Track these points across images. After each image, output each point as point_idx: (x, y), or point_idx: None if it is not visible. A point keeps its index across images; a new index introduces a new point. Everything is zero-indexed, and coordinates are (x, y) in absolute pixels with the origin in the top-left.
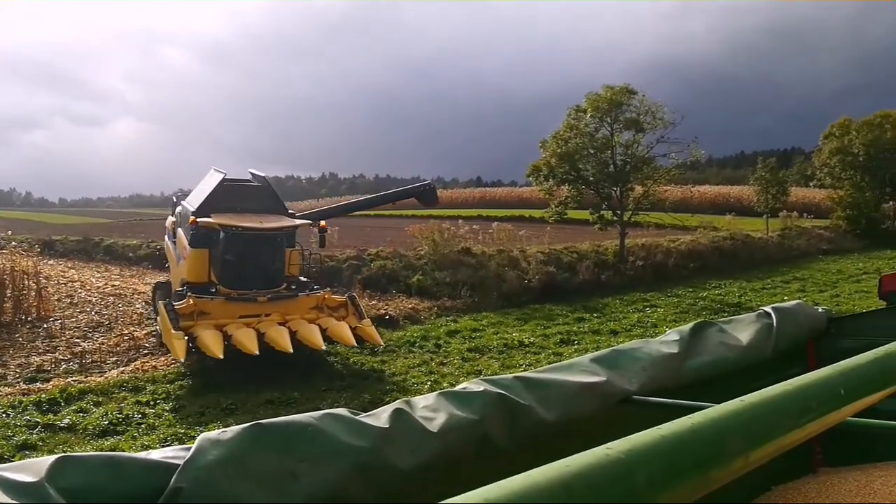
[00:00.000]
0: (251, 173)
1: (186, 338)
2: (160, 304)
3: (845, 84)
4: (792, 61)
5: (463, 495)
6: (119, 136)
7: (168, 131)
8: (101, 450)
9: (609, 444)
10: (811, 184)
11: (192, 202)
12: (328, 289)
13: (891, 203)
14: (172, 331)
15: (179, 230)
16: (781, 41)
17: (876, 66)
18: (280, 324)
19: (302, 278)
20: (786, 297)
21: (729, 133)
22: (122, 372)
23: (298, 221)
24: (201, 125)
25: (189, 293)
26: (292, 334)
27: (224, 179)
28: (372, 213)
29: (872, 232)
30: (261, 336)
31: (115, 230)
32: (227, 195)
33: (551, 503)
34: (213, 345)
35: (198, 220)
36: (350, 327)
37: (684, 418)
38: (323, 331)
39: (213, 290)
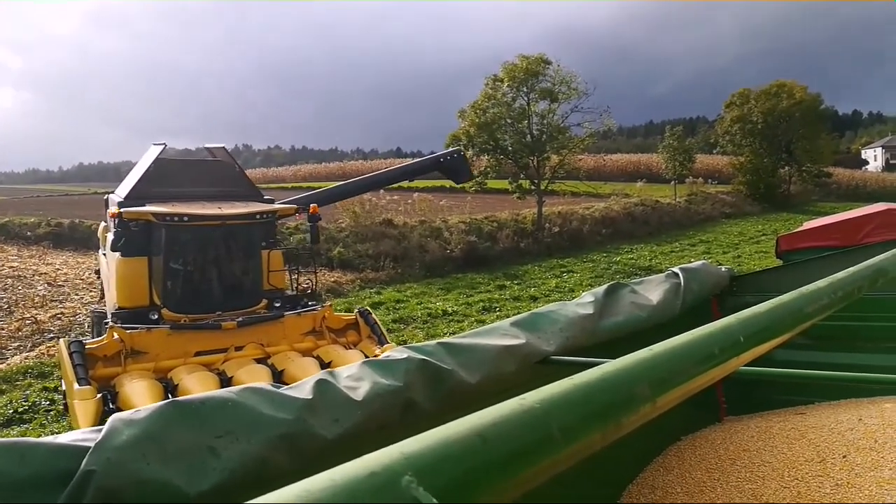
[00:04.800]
0: (206, 149)
1: (102, 395)
2: (61, 342)
3: (737, 52)
4: (687, 30)
5: (384, 449)
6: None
7: (56, 101)
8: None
9: (523, 395)
10: (715, 151)
11: (120, 192)
12: (328, 304)
13: (786, 168)
14: (75, 386)
15: (109, 236)
16: (677, 11)
17: (764, 34)
18: (259, 360)
19: (289, 291)
20: (692, 259)
21: (635, 102)
22: (25, 358)
23: (277, 206)
24: (93, 95)
25: (112, 323)
26: (277, 375)
27: (163, 155)
28: (289, 184)
29: (770, 196)
30: (226, 383)
31: (10, 207)
32: (170, 176)
33: (468, 452)
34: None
35: (121, 210)
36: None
37: (595, 368)
38: (325, 366)
39: (155, 317)
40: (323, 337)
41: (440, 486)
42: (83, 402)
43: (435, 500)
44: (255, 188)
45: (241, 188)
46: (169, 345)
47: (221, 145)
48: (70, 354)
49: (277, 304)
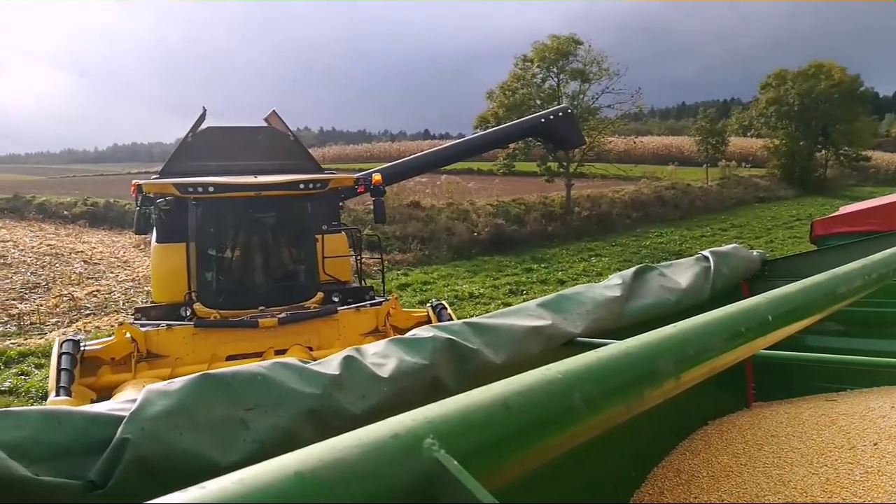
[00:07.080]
0: (265, 120)
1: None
2: (56, 340)
3: (773, 35)
4: (713, 9)
5: (408, 413)
6: (30, 86)
7: (92, 83)
8: None
9: (547, 366)
10: (749, 134)
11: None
12: (394, 296)
13: (822, 152)
14: (50, 396)
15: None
16: None
17: (803, 15)
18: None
19: (354, 284)
20: (723, 244)
21: (666, 84)
22: (63, 333)
23: (329, 176)
24: (121, 76)
25: (128, 321)
26: None
27: (202, 122)
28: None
29: (805, 180)
30: None
31: (48, 187)
32: (212, 148)
33: (492, 418)
34: None
35: (140, 182)
36: None
37: (620, 342)
38: None
39: (188, 314)
40: (387, 337)
41: (463, 449)
42: None
43: (456, 462)
44: (314, 160)
45: (296, 160)
46: (195, 346)
47: (272, 110)
48: (59, 356)
49: (336, 299)
